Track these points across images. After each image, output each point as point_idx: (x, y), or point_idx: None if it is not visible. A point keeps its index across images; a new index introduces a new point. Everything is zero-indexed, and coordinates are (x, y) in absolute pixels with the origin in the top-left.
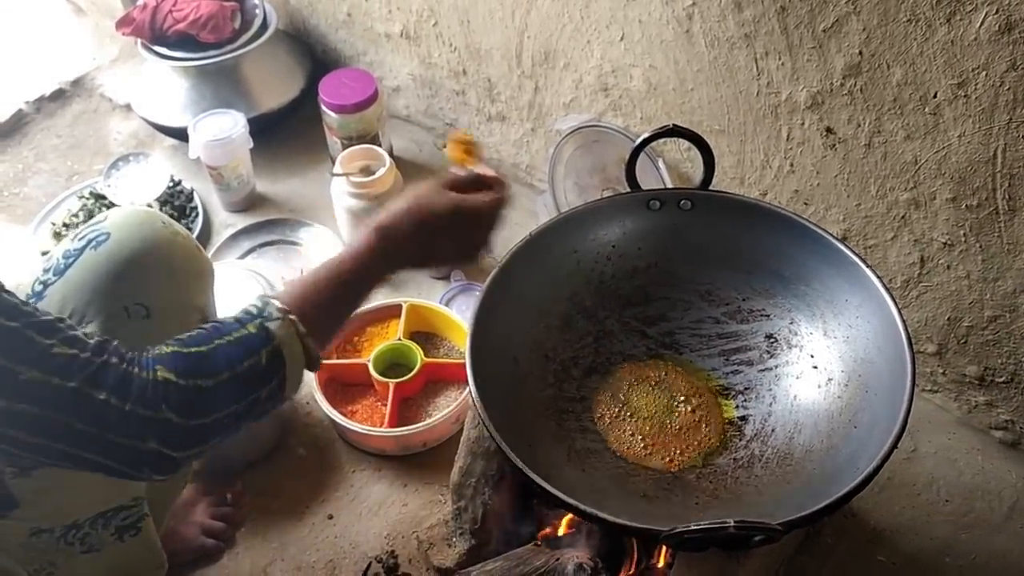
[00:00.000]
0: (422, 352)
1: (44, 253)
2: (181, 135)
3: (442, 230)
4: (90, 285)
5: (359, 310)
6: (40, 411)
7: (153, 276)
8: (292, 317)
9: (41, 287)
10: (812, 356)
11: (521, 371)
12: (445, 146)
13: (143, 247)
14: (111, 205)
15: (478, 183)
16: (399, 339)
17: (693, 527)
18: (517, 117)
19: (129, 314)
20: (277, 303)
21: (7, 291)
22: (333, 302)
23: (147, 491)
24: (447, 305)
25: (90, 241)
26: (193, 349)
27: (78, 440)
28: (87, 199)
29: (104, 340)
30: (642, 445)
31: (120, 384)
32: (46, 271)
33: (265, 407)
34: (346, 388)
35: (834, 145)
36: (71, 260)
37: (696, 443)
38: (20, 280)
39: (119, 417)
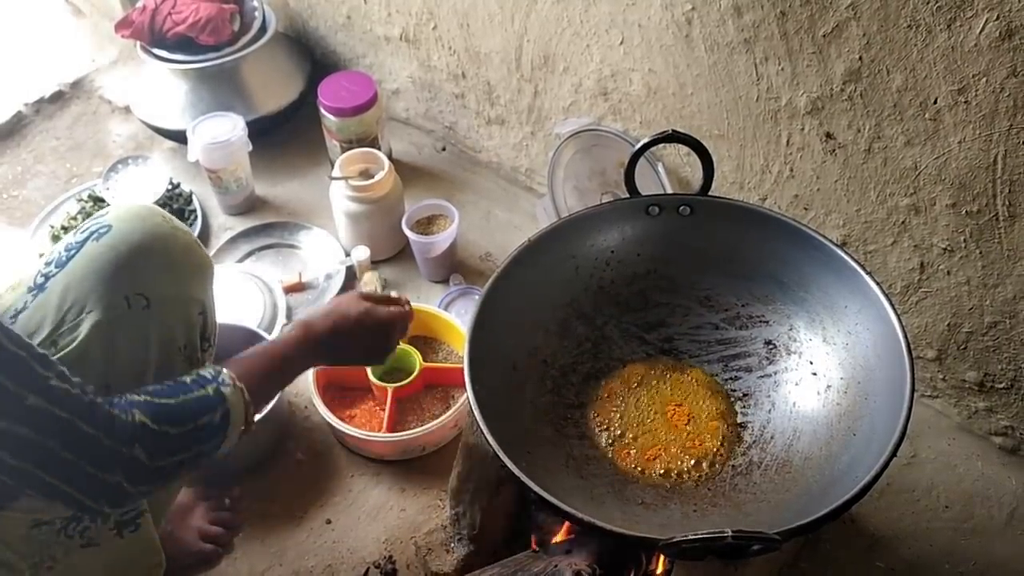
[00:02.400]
0: (420, 356)
1: (43, 256)
2: (180, 138)
3: (354, 332)
4: (91, 275)
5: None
6: (35, 436)
7: (153, 267)
8: (240, 386)
9: (43, 279)
10: (811, 362)
11: (519, 377)
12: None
13: (144, 239)
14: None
15: (388, 300)
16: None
17: (691, 536)
18: (516, 121)
19: (130, 304)
20: (229, 372)
21: (4, 323)
22: (267, 380)
23: None
24: (446, 309)
25: (92, 233)
26: (163, 400)
27: (58, 468)
28: (86, 202)
29: (82, 383)
30: (640, 452)
31: (106, 420)
32: (48, 263)
33: (205, 459)
34: (344, 393)
35: (834, 150)
36: (72, 252)
37: (694, 450)
38: (21, 275)
39: (99, 450)
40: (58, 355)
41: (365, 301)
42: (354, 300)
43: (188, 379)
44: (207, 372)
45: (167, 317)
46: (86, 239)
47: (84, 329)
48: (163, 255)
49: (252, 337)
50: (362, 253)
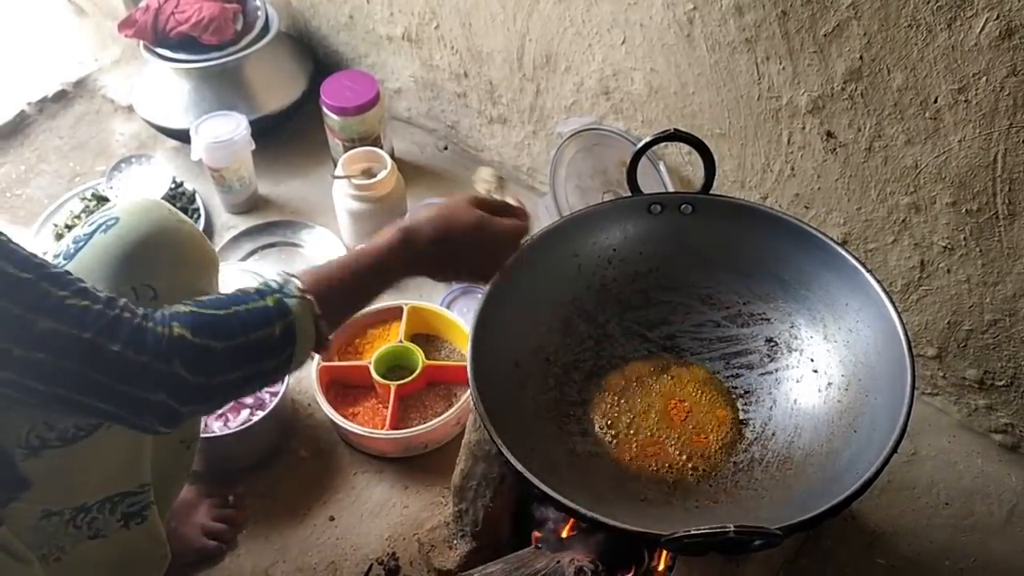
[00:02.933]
0: (423, 354)
1: (47, 253)
2: (183, 137)
3: (463, 245)
4: (99, 266)
5: (362, 312)
6: (55, 360)
7: (161, 259)
8: (310, 297)
9: None
10: (812, 360)
11: (522, 374)
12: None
13: (151, 231)
14: None
15: (505, 209)
16: (400, 341)
17: (693, 532)
18: (518, 120)
19: (137, 295)
20: (297, 282)
21: (15, 243)
22: (348, 293)
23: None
24: (448, 307)
25: (100, 225)
26: (210, 312)
27: (90, 389)
28: (89, 201)
29: (113, 296)
30: (643, 449)
31: (134, 336)
32: (56, 256)
33: (270, 378)
34: (348, 390)
35: (835, 149)
36: (81, 244)
37: (696, 447)
38: None
39: (132, 368)
40: None
41: (478, 208)
42: (465, 206)
43: (253, 288)
44: (274, 280)
45: None
46: (94, 231)
47: None
48: (170, 248)
49: None
50: None
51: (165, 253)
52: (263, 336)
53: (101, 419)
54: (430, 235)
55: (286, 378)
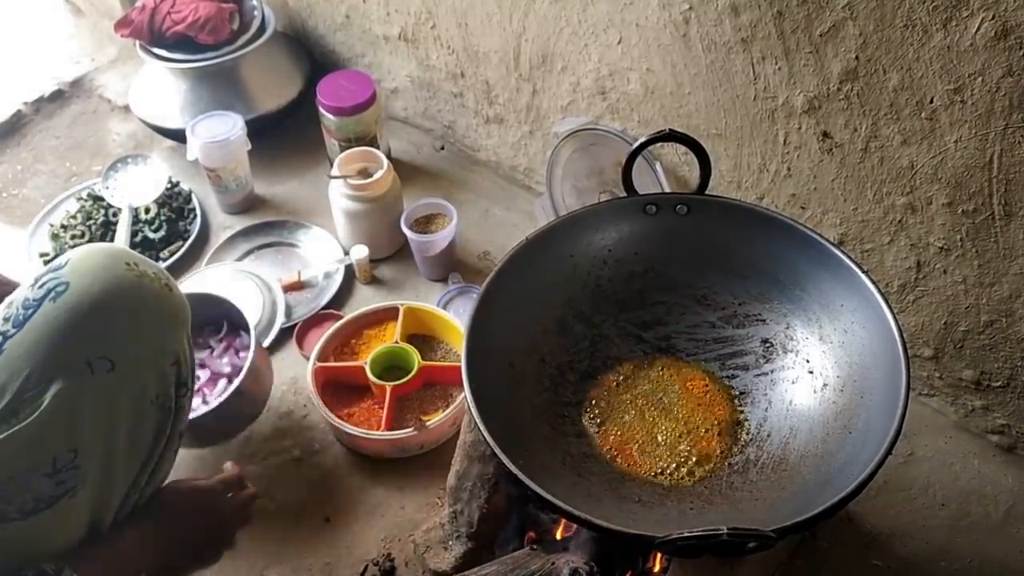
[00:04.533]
0: (419, 355)
1: (43, 255)
2: (179, 136)
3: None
4: (49, 341)
5: (356, 313)
6: None
7: (117, 326)
8: None
9: (1, 339)
10: (808, 361)
11: (517, 375)
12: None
13: (104, 296)
14: (109, 207)
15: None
16: (396, 342)
17: (687, 534)
18: (515, 120)
19: (93, 369)
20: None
21: None
22: None
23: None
24: (444, 308)
25: (49, 292)
26: None
27: None
28: (85, 201)
29: None
30: (637, 450)
31: None
32: (6, 320)
33: None
34: (343, 391)
35: (831, 149)
36: (31, 311)
37: (691, 448)
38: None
39: None
40: (20, 425)
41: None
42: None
43: None
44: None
45: (135, 376)
46: (43, 297)
47: (47, 399)
48: (126, 311)
49: (224, 307)
50: (361, 252)
51: (121, 318)
52: None
53: None
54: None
55: (252, 337)
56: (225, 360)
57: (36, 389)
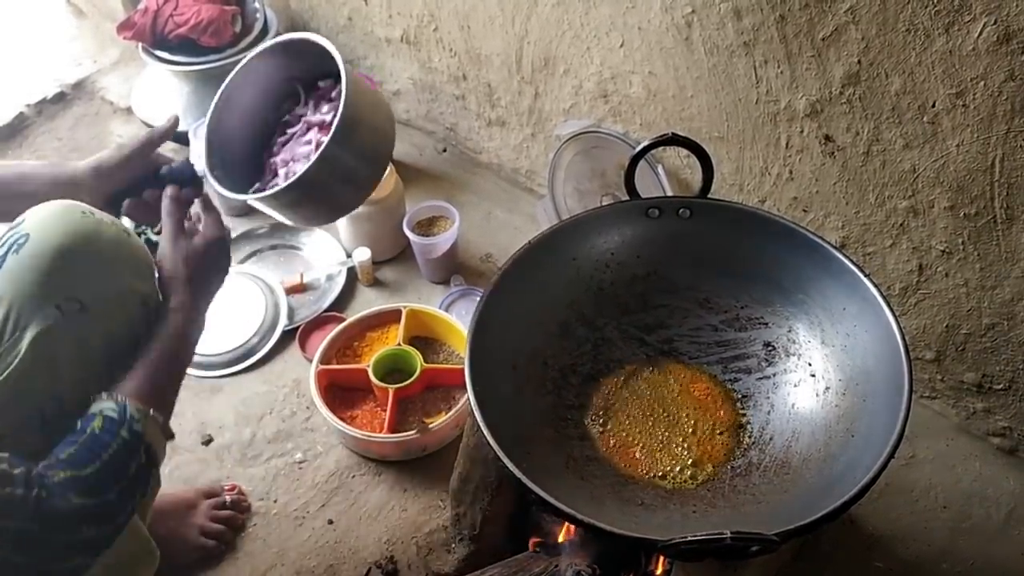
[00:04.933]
0: (422, 357)
1: None
2: (182, 139)
3: (207, 265)
4: (17, 290)
5: (359, 315)
6: None
7: (81, 268)
8: (153, 415)
9: None
10: (810, 364)
11: (520, 378)
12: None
13: (66, 240)
14: None
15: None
16: (399, 344)
17: (690, 538)
18: (517, 122)
19: (63, 312)
20: (135, 405)
21: None
22: (172, 375)
23: None
24: (447, 310)
25: (11, 245)
26: (88, 471)
27: (16, 572)
28: None
29: (25, 470)
30: (640, 453)
31: (48, 517)
32: None
33: (150, 480)
34: (346, 393)
35: (833, 153)
36: None
37: (694, 451)
38: None
39: (49, 547)
40: (2, 376)
41: (182, 239)
42: (175, 248)
43: (97, 426)
44: (112, 410)
45: (104, 316)
46: (6, 252)
47: (24, 345)
48: (88, 254)
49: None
50: (363, 254)
51: (85, 260)
52: (135, 469)
53: None
54: (188, 277)
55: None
56: (325, 108)
57: (12, 338)
